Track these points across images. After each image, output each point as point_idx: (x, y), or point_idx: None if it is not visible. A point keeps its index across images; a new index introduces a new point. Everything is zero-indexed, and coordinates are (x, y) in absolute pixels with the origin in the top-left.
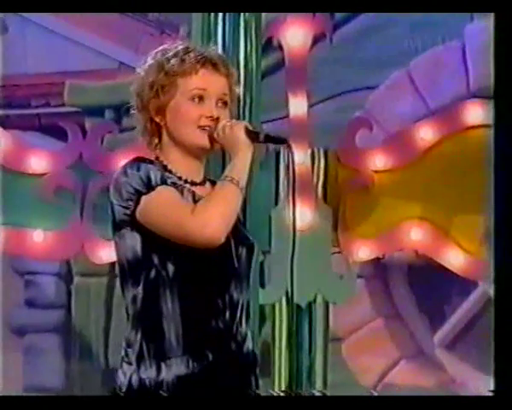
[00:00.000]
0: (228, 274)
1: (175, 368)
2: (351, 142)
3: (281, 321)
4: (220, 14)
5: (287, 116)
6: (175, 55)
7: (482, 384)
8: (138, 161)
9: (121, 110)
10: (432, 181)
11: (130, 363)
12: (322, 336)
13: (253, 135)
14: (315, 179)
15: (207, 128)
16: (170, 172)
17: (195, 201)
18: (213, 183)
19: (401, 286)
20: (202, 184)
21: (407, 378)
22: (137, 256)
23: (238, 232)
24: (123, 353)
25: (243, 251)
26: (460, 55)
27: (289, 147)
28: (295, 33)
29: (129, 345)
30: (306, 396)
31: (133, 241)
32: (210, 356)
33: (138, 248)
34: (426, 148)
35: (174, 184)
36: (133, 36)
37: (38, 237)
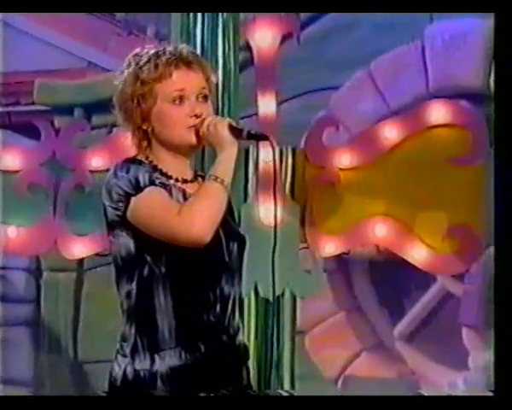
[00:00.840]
0: (219, 269)
1: (168, 360)
2: (318, 141)
3: (249, 316)
4: (199, 16)
5: (255, 114)
6: (147, 62)
7: (440, 376)
8: (128, 163)
9: (90, 108)
10: (396, 179)
11: (124, 355)
12: (289, 330)
13: (236, 132)
14: (283, 177)
15: (194, 126)
16: (160, 171)
17: (186, 199)
18: (203, 178)
19: (362, 281)
20: (193, 181)
21: (368, 370)
22: (131, 254)
23: (229, 228)
24: (118, 346)
25: (234, 246)
26: (419, 55)
27: (271, 143)
28: (264, 34)
29: (124, 339)
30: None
31: (126, 240)
32: (202, 348)
33: (131, 246)
34: (390, 146)
35: (163, 185)
36: (101, 36)
37: (12, 233)
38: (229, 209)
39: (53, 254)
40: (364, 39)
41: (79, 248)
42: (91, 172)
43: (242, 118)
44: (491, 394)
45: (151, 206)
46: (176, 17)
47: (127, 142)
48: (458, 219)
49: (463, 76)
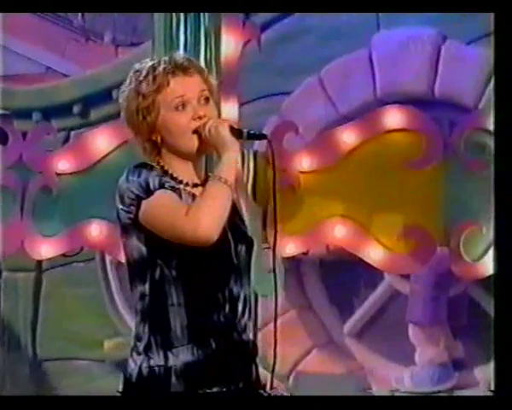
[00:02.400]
0: (228, 270)
1: (181, 356)
2: (278, 144)
3: None
4: (182, 19)
5: None
6: (146, 76)
7: (387, 371)
8: (139, 168)
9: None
10: (354, 181)
11: (139, 353)
12: (251, 327)
13: (237, 133)
14: (245, 179)
15: (199, 129)
16: (171, 176)
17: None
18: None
19: (313, 280)
20: (203, 184)
21: (319, 366)
22: (143, 256)
23: (237, 230)
24: (132, 344)
25: (242, 248)
26: (367, 62)
27: (269, 142)
28: (227, 41)
29: (138, 338)
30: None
31: (138, 242)
32: (213, 344)
33: (143, 248)
34: (348, 150)
35: (172, 188)
36: (59, 42)
37: None
38: (237, 212)
39: (12, 255)
40: (315, 46)
41: (47, 249)
42: (58, 174)
43: None
44: (491, 394)
45: (160, 208)
46: (159, 21)
47: (93, 145)
48: (413, 219)
49: (409, 82)
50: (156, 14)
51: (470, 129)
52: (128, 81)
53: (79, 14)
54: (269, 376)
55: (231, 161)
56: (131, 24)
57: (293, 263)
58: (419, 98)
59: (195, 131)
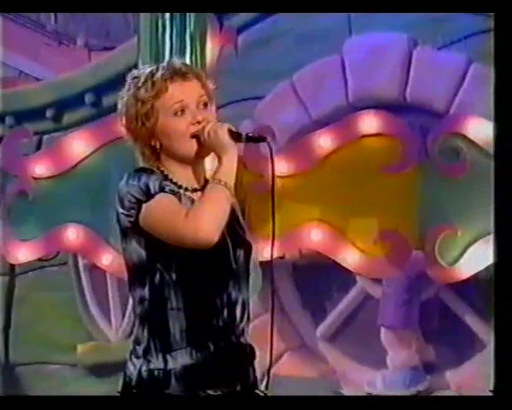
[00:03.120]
0: (227, 275)
1: (180, 359)
2: (255, 149)
3: None
4: (168, 25)
5: None
6: (145, 82)
7: (360, 375)
8: (140, 172)
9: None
10: (330, 186)
11: (138, 357)
12: None
13: (235, 136)
14: None
15: (197, 133)
16: (170, 180)
17: None
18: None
19: (286, 284)
20: (203, 188)
21: (291, 369)
22: (142, 260)
23: (236, 235)
24: (131, 348)
25: (241, 253)
26: (339, 68)
27: (269, 145)
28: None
29: (137, 342)
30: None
31: (138, 246)
32: (212, 347)
33: (143, 253)
34: (324, 155)
35: (172, 192)
36: (32, 46)
37: None
38: (235, 216)
39: None
40: (287, 51)
41: (23, 253)
42: (35, 179)
43: None
44: (490, 394)
45: (161, 211)
46: (145, 25)
47: (70, 149)
48: (389, 224)
49: (381, 87)
50: (142, 19)
51: (445, 134)
52: (126, 87)
53: (52, 17)
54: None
55: (230, 163)
56: (104, 28)
57: (267, 267)
58: (391, 103)
59: (194, 136)
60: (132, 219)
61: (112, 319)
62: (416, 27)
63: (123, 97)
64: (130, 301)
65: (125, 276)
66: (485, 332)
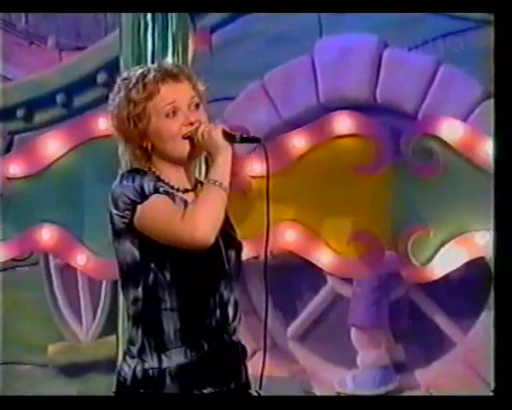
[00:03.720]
0: (219, 276)
1: (175, 358)
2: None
3: None
4: (150, 26)
5: None
6: (136, 83)
7: (330, 374)
8: (133, 173)
9: None
10: (304, 186)
11: (133, 356)
12: None
13: (229, 137)
14: None
15: (190, 134)
16: (163, 181)
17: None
18: (203, 185)
19: (257, 284)
20: (194, 189)
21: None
22: (136, 261)
23: (227, 236)
24: (125, 348)
25: (233, 253)
26: (310, 68)
27: (263, 145)
28: None
29: (131, 342)
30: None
31: (132, 247)
32: (205, 346)
33: (137, 253)
34: (298, 155)
35: (166, 193)
36: (2, 46)
37: None
38: (227, 217)
39: None
40: (258, 52)
41: None
42: (9, 179)
43: None
44: (491, 394)
45: (156, 212)
46: (126, 26)
47: (44, 149)
48: (362, 224)
49: (351, 88)
50: (124, 20)
51: (418, 135)
52: (116, 89)
53: (23, 17)
54: None
55: (225, 164)
56: (75, 28)
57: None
58: (361, 104)
59: (186, 137)
60: (127, 220)
61: (82, 319)
62: (387, 29)
63: (114, 99)
64: (101, 302)
65: (100, 276)
66: (454, 332)
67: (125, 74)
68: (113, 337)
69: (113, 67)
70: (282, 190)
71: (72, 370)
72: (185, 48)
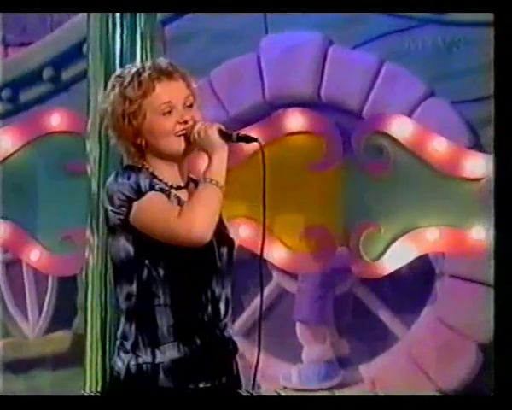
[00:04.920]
0: (211, 272)
1: (168, 353)
2: None
3: None
4: (118, 21)
5: None
6: (131, 81)
7: (275, 369)
8: (128, 170)
9: None
10: (257, 183)
11: (126, 352)
12: None
13: (226, 136)
14: None
15: (183, 132)
16: (156, 178)
17: (180, 204)
18: (195, 182)
19: None
20: (186, 186)
21: None
22: (130, 257)
23: (219, 233)
24: (118, 343)
25: (225, 250)
26: (256, 66)
27: (260, 145)
28: None
29: (124, 337)
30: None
31: (126, 243)
32: (198, 341)
33: (131, 250)
34: (251, 152)
35: (162, 190)
36: None
37: None
38: (219, 215)
39: None
40: (205, 48)
41: None
42: None
43: None
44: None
45: (153, 210)
46: (94, 24)
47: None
48: (314, 220)
49: (296, 85)
50: (92, 18)
51: (369, 132)
52: (110, 86)
53: None
54: None
55: (221, 163)
56: (21, 23)
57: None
58: (306, 101)
59: (181, 135)
60: (122, 217)
61: (29, 315)
62: (331, 27)
63: (108, 96)
64: (47, 298)
65: (53, 272)
66: (397, 327)
67: (118, 71)
68: (61, 333)
69: (58, 63)
70: (235, 187)
71: (19, 366)
72: (153, 46)
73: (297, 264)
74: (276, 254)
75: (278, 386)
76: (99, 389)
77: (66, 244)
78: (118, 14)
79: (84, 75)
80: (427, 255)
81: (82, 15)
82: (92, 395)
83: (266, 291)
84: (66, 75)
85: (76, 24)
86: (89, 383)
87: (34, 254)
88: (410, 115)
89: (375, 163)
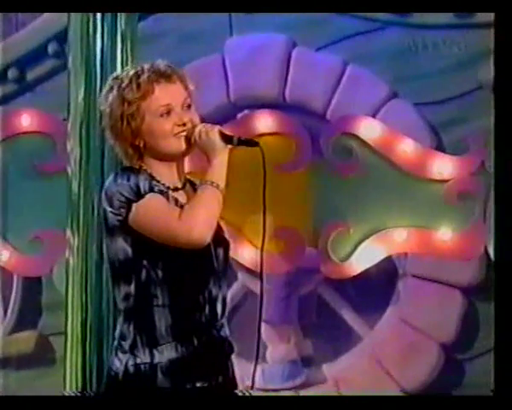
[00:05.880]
0: (208, 273)
1: (166, 353)
2: None
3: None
4: (98, 22)
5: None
6: (130, 83)
7: (240, 369)
8: (127, 171)
9: None
10: (227, 184)
11: (124, 352)
12: None
13: (227, 138)
14: None
15: (182, 134)
16: (154, 179)
17: (178, 206)
18: (192, 183)
19: None
20: (183, 188)
21: None
22: (129, 258)
23: (216, 234)
24: (116, 344)
25: (221, 251)
26: (220, 67)
27: (261, 149)
28: None
29: (122, 337)
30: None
31: (125, 244)
32: (195, 341)
33: (129, 251)
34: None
35: (161, 191)
36: None
37: None
38: None
39: None
40: (170, 49)
41: None
42: None
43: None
44: (491, 394)
45: (153, 212)
46: (75, 25)
47: None
48: (284, 221)
49: (261, 87)
50: (73, 18)
51: (338, 134)
52: (108, 88)
53: None
54: None
55: (221, 165)
56: None
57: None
58: (271, 102)
59: (179, 136)
60: (121, 218)
61: None
62: (296, 28)
63: (106, 97)
64: (12, 298)
65: (22, 273)
66: (360, 326)
67: (116, 73)
68: (26, 334)
69: (23, 63)
70: None
71: None
72: (133, 45)
73: (267, 265)
74: (247, 254)
75: (243, 385)
76: (79, 389)
77: (35, 245)
78: (99, 15)
79: (49, 75)
80: (390, 255)
81: (48, 15)
82: (72, 394)
83: (231, 291)
84: (31, 75)
85: (41, 24)
86: (69, 382)
87: (4, 255)
88: (373, 116)
89: (343, 164)
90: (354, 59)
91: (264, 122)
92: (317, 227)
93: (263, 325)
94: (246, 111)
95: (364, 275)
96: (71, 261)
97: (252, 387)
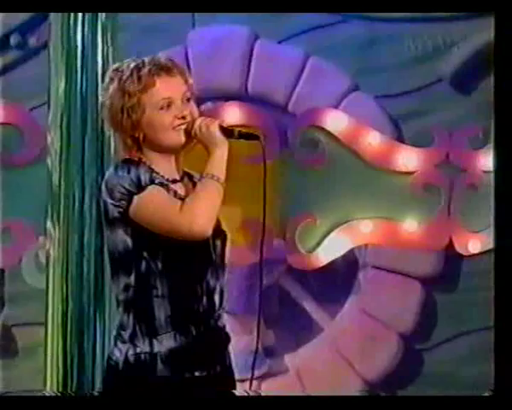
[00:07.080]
0: (206, 264)
1: (166, 342)
2: None
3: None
4: (79, 19)
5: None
6: (130, 75)
7: None
8: (127, 163)
9: None
10: None
11: (124, 342)
12: None
13: (227, 132)
14: None
15: (182, 126)
16: (154, 171)
17: (177, 198)
18: (190, 176)
19: None
20: (181, 180)
21: None
22: (129, 249)
23: (214, 226)
24: (115, 334)
25: (218, 243)
26: (183, 59)
27: (261, 142)
28: None
29: (122, 327)
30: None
31: (125, 235)
32: (194, 331)
33: (129, 242)
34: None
35: (161, 184)
36: None
37: None
38: None
39: None
40: (132, 42)
41: None
42: None
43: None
44: (491, 394)
45: (154, 204)
46: (55, 17)
47: None
48: (251, 213)
49: (223, 79)
50: (52, 14)
51: (305, 126)
52: (108, 80)
53: None
54: None
55: (221, 159)
56: None
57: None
58: (233, 95)
59: (178, 129)
60: (122, 210)
61: None
62: (258, 21)
63: (106, 89)
64: None
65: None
66: (321, 317)
67: (116, 65)
68: None
69: None
70: None
71: None
72: (115, 39)
73: (234, 256)
74: None
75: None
76: (60, 380)
77: (4, 236)
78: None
79: (13, 66)
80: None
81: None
82: (53, 394)
83: None
84: None
85: (4, 16)
86: (49, 374)
87: None
88: (335, 109)
89: (310, 156)
90: (316, 51)
91: (233, 114)
92: (285, 219)
93: (225, 316)
94: (208, 103)
95: (325, 266)
96: (51, 253)
97: (250, 381)
